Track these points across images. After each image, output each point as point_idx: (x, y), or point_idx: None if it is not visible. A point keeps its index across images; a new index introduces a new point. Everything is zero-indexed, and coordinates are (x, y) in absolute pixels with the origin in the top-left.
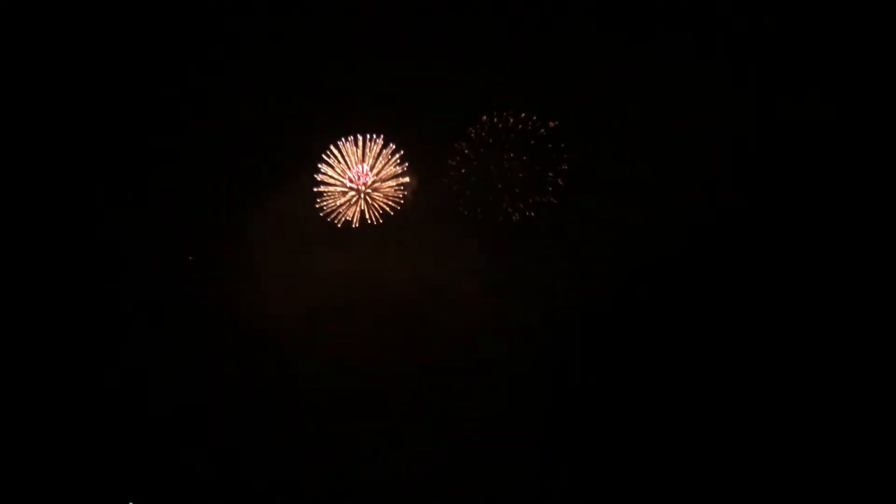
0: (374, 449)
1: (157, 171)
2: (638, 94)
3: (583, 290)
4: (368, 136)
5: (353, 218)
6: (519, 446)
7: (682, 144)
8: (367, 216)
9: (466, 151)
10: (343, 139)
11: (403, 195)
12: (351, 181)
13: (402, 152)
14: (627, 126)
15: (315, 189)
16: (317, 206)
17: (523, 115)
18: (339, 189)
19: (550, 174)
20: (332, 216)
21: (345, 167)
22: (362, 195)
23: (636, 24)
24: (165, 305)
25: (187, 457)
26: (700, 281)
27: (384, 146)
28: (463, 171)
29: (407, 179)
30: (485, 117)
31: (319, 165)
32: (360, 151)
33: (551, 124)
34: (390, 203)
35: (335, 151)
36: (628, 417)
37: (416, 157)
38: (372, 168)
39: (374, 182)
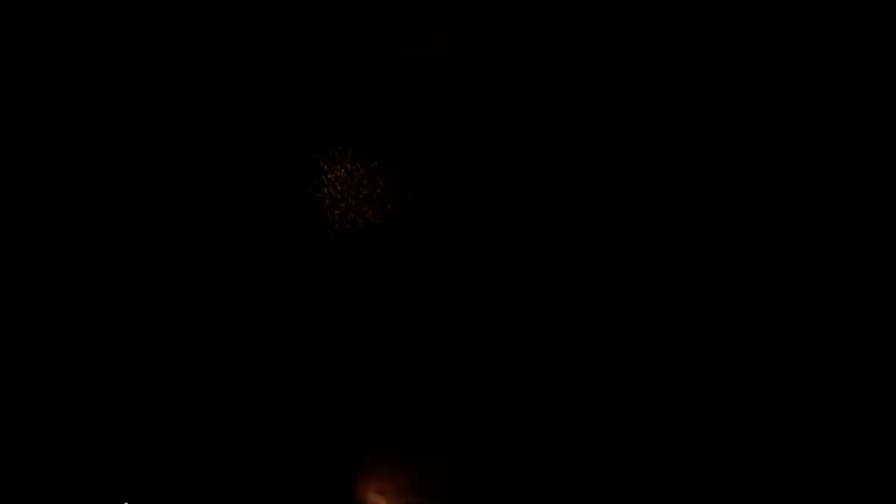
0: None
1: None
2: None
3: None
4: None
5: (345, 227)
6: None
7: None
8: (357, 224)
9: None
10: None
11: (394, 209)
12: (338, 192)
13: (395, 165)
14: None
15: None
16: (309, 214)
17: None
18: (327, 201)
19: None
20: (325, 226)
21: (334, 178)
22: (352, 207)
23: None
24: (159, 306)
25: (186, 457)
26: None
27: (375, 158)
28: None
29: (401, 195)
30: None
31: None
32: (349, 163)
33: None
34: (380, 216)
35: (323, 163)
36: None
37: (413, 170)
38: (361, 182)
39: (361, 196)
